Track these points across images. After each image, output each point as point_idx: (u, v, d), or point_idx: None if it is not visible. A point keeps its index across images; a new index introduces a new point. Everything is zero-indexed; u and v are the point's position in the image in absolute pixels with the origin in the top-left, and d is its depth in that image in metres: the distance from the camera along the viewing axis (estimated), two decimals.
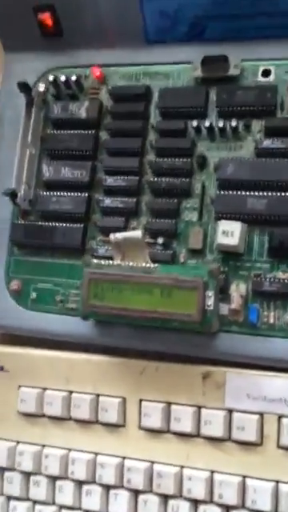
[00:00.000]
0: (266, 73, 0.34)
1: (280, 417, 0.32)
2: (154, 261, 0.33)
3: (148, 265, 0.32)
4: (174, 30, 0.36)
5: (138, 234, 0.32)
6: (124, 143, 0.36)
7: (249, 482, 0.32)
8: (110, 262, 0.33)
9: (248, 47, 0.35)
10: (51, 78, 0.37)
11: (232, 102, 0.34)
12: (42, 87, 0.38)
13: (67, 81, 0.37)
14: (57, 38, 0.38)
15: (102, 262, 0.33)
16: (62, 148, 0.37)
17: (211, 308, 0.30)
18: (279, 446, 0.32)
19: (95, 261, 0.33)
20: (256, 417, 0.32)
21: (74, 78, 0.37)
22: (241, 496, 0.32)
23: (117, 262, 0.33)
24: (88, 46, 0.37)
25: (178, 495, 0.33)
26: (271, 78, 0.34)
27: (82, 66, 0.38)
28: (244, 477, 0.32)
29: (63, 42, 0.38)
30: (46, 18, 0.37)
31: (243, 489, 0.32)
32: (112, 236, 0.32)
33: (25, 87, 0.36)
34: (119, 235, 0.32)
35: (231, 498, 0.32)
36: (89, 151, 0.36)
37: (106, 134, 0.37)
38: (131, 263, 0.32)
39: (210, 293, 0.30)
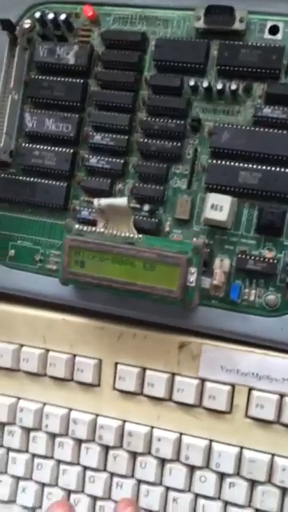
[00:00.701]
0: (274, 30, 0.32)
1: (250, 389, 0.33)
2: (137, 228, 0.32)
3: (132, 235, 0.31)
4: None
5: (123, 201, 0.31)
6: (115, 98, 0.33)
7: (215, 446, 0.34)
8: (93, 228, 0.32)
9: None
10: (38, 14, 0.34)
11: (234, 61, 0.32)
12: (27, 24, 0.35)
13: (55, 19, 0.34)
14: None
15: (85, 228, 0.32)
16: (47, 96, 0.34)
17: (193, 285, 0.30)
18: (247, 416, 0.33)
19: (77, 226, 0.32)
20: (228, 387, 0.33)
21: (63, 16, 0.34)
22: (206, 458, 0.34)
23: (100, 228, 0.32)
24: None
25: (147, 453, 0.35)
26: (279, 36, 0.32)
27: (73, 3, 0.35)
28: (211, 441, 0.34)
29: None
30: None
31: (209, 452, 0.34)
32: (96, 202, 0.31)
33: (8, 24, 0.33)
34: (103, 201, 0.31)
35: (197, 459, 0.34)
36: (76, 102, 0.34)
37: (95, 83, 0.34)
38: (114, 231, 0.31)
39: (193, 269, 0.30)
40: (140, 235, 0.31)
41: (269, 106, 0.31)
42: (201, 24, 0.32)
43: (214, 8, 0.32)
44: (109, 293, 0.32)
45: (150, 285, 0.30)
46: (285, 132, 0.31)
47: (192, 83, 0.32)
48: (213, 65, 0.33)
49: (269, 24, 0.32)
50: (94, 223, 0.33)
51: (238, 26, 0.32)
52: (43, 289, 0.35)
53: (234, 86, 0.32)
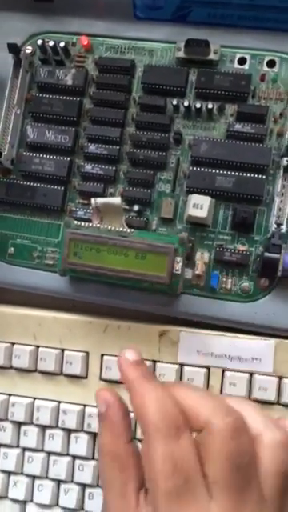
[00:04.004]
0: (242, 61, 0.41)
1: (224, 370, 0.39)
2: (128, 226, 0.39)
3: (124, 229, 0.38)
4: (161, 10, 0.41)
5: (117, 200, 0.38)
6: (107, 113, 0.41)
7: None
8: (90, 224, 0.38)
9: (228, 34, 0.41)
10: (40, 41, 0.42)
11: (209, 85, 0.40)
12: (28, 49, 0.42)
13: (55, 46, 0.42)
14: (47, 3, 0.42)
15: (82, 223, 0.38)
16: (46, 111, 0.41)
17: (179, 272, 0.37)
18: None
19: (76, 222, 0.38)
20: (204, 370, 0.39)
21: (62, 44, 0.41)
22: None
23: (95, 224, 0.39)
24: (77, 14, 0.42)
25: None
26: (246, 66, 0.41)
27: (70, 34, 0.42)
28: None
29: (53, 7, 0.42)
30: None
31: None
32: (93, 200, 0.38)
33: (14, 48, 0.41)
34: (100, 200, 0.38)
35: None
36: (73, 117, 0.41)
37: (89, 102, 0.42)
38: (109, 227, 0.38)
39: (179, 259, 0.37)
40: (132, 229, 0.38)
41: (239, 122, 0.40)
42: (181, 54, 0.41)
43: (193, 41, 0.40)
44: (103, 281, 0.39)
45: (141, 272, 0.37)
46: (253, 144, 0.39)
47: (174, 103, 0.40)
48: (191, 88, 0.41)
49: (238, 56, 0.41)
50: (88, 222, 0.40)
51: (212, 56, 0.40)
52: (40, 282, 0.41)
53: (210, 106, 0.40)
